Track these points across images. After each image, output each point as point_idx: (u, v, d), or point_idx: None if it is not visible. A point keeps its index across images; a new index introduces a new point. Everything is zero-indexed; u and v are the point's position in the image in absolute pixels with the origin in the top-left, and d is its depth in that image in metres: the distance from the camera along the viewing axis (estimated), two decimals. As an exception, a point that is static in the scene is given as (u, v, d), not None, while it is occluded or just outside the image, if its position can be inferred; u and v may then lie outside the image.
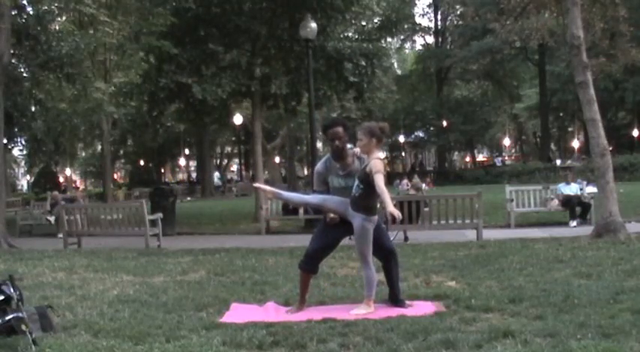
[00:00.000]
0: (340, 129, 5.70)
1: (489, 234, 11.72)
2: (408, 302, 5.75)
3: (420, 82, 52.34)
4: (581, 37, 11.03)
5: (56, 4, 16.95)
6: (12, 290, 4.80)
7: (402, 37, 49.84)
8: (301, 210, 15.08)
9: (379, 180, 5.24)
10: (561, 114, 52.34)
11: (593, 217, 13.49)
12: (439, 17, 52.02)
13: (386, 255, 5.81)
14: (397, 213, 5.13)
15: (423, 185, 21.11)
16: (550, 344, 4.23)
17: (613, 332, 4.43)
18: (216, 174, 55.48)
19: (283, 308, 5.77)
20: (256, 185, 7.01)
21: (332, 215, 5.69)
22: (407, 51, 59.74)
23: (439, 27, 51.99)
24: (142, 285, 7.24)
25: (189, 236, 15.18)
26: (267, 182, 32.96)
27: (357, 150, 5.70)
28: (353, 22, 19.73)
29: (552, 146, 55.91)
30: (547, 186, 15.75)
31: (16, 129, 20.09)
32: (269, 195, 6.25)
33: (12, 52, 14.64)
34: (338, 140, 5.68)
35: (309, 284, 5.84)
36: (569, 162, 40.95)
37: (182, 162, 59.15)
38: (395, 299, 5.75)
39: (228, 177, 60.52)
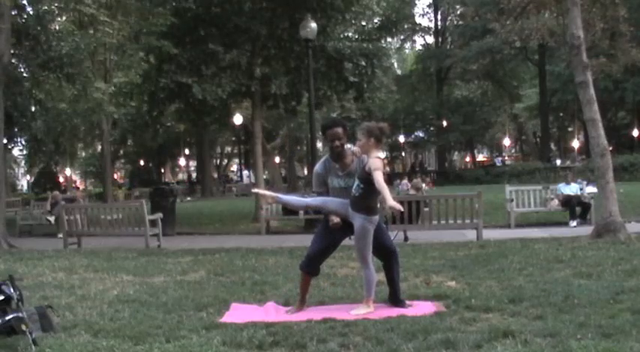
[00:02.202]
0: (340, 130, 5.70)
1: (489, 234, 11.72)
2: (408, 302, 5.75)
3: (420, 82, 52.29)
4: (581, 37, 11.03)
5: (56, 4, 16.95)
6: (12, 290, 4.79)
7: (402, 37, 49.80)
8: (301, 210, 15.09)
9: (378, 176, 5.24)
10: (561, 114, 52.31)
11: (593, 217, 13.49)
12: (439, 17, 52.00)
13: (387, 254, 5.80)
14: (398, 206, 5.12)
15: (423, 185, 21.11)
16: (550, 344, 4.23)
17: (613, 332, 4.43)
18: (245, 173, 55.37)
19: (283, 308, 5.77)
20: (255, 190, 6.94)
21: (335, 220, 5.68)
22: (407, 51, 59.74)
23: (439, 27, 51.97)
24: (142, 285, 7.25)
25: (189, 236, 15.18)
26: (267, 182, 32.95)
27: (356, 149, 5.70)
28: (353, 22, 19.73)
29: (552, 146, 55.87)
30: (547, 186, 15.75)
31: (16, 129, 20.05)
32: (269, 200, 6.24)
33: (12, 52, 14.63)
34: (337, 140, 5.68)
35: (309, 285, 5.85)
36: (568, 162, 40.96)
37: (182, 162, 59.12)
38: (395, 299, 5.75)
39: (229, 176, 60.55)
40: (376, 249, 5.65)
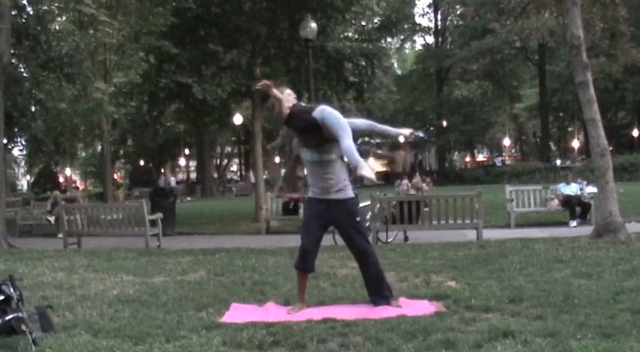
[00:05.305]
0: None
1: (489, 234, 11.72)
2: (394, 300, 5.74)
3: (420, 82, 52.28)
4: (581, 37, 11.03)
5: (56, 4, 16.93)
6: (12, 290, 4.79)
7: (402, 37, 49.76)
8: (301, 210, 15.07)
9: None
10: (561, 114, 52.30)
11: (593, 217, 13.49)
12: (439, 17, 51.99)
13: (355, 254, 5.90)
14: None
15: (423, 185, 21.10)
16: (550, 344, 4.23)
17: (613, 332, 4.43)
18: (282, 171, 54.20)
19: (283, 308, 5.76)
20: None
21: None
22: (407, 51, 59.69)
23: (439, 27, 51.96)
24: (142, 285, 7.24)
25: (189, 236, 15.18)
26: (267, 182, 32.94)
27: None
28: (353, 22, 19.75)
29: (552, 146, 55.86)
30: (547, 186, 15.76)
31: (16, 129, 20.06)
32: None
33: (12, 52, 14.63)
34: None
35: (306, 285, 5.86)
36: (568, 162, 40.96)
37: (182, 162, 59.09)
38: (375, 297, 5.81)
39: (228, 177, 60.47)
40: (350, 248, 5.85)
